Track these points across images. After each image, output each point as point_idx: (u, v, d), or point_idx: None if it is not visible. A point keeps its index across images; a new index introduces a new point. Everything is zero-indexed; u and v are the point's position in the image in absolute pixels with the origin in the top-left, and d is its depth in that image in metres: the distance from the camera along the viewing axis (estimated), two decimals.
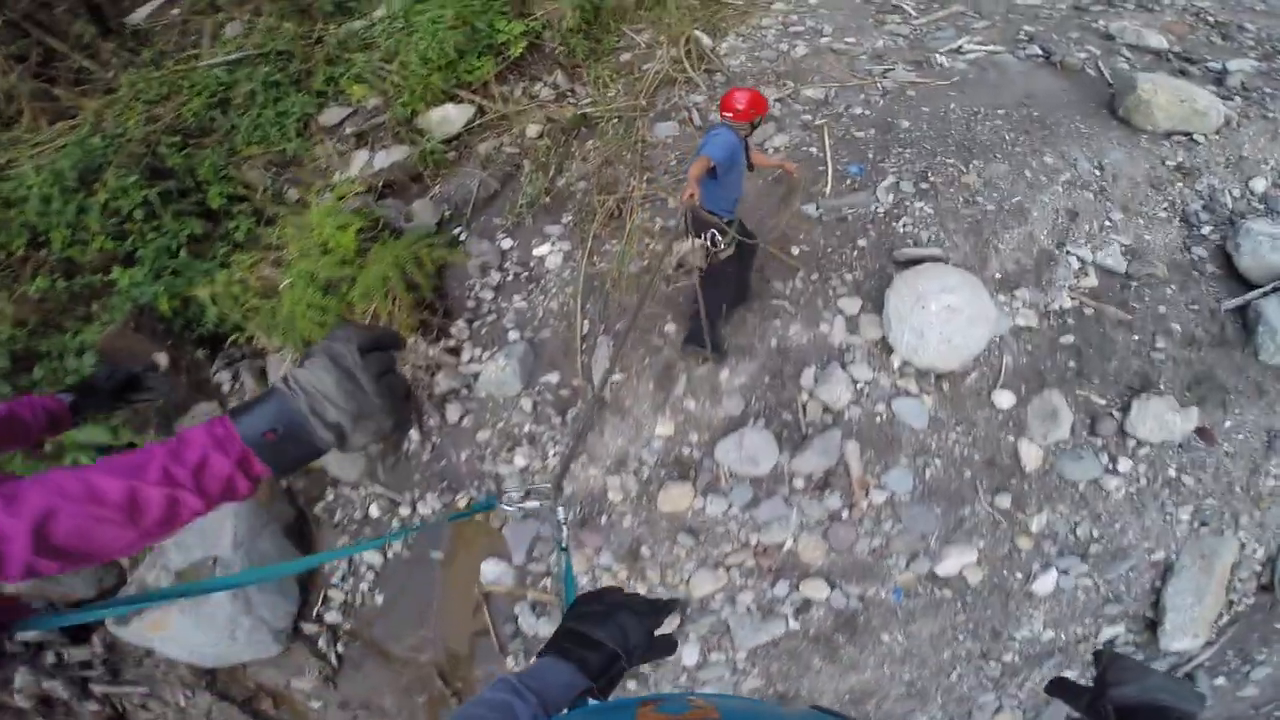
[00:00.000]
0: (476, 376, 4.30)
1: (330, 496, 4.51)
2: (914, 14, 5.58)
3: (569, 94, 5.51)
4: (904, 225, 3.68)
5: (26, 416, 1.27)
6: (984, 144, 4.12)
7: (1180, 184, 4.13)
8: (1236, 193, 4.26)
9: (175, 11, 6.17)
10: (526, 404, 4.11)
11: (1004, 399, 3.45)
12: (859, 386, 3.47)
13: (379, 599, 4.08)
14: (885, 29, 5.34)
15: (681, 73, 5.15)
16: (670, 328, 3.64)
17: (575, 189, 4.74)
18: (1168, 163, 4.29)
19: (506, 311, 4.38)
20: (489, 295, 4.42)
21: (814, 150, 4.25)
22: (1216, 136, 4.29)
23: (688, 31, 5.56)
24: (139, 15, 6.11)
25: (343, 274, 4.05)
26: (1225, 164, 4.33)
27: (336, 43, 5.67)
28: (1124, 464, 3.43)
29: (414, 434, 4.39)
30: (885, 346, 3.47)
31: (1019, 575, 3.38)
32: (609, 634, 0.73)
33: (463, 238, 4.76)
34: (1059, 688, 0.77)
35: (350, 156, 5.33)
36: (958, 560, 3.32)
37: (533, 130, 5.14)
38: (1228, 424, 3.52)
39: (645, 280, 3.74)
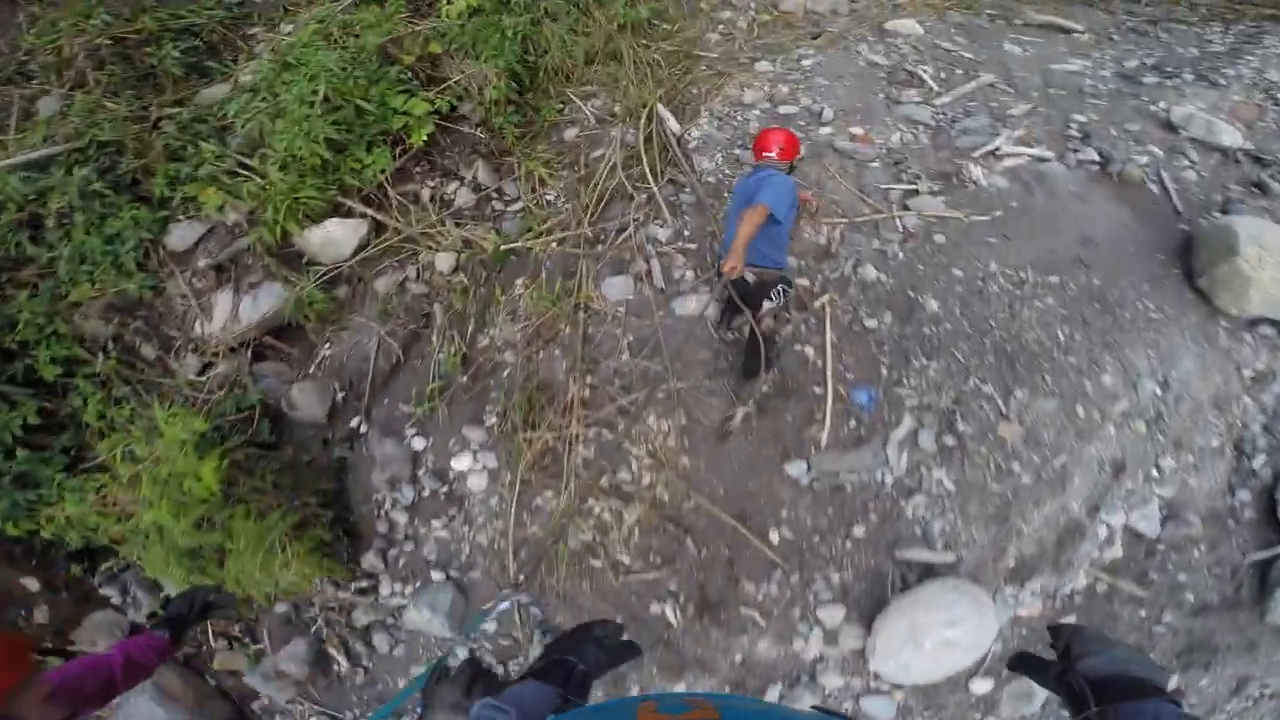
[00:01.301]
0: (401, 609, 3.55)
1: (265, 699, 3.96)
2: (935, 87, 4.05)
3: (494, 196, 4.11)
4: (914, 507, 2.74)
5: (142, 660, 1.39)
6: (1031, 353, 3.02)
7: (1246, 397, 3.17)
8: None
9: None
10: (462, 651, 3.41)
11: (981, 686, 2.83)
12: (827, 693, 2.79)
13: None
14: (901, 111, 3.88)
15: (639, 182, 3.77)
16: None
17: (501, 360, 3.61)
18: (1244, 370, 3.20)
19: (426, 540, 3.47)
20: (402, 518, 3.49)
21: (810, 353, 3.12)
22: None
23: (649, 101, 4.06)
24: None
25: (205, 540, 3.08)
26: None
27: (179, 127, 4.06)
28: None
29: (341, 659, 3.73)
30: (862, 655, 2.75)
31: None
32: (580, 657, 0.83)
33: (362, 430, 3.69)
34: (1024, 663, 0.74)
35: (211, 300, 4.03)
36: None
37: (445, 262, 3.84)
38: (1203, 681, 2.98)
39: (593, 567, 2.87)
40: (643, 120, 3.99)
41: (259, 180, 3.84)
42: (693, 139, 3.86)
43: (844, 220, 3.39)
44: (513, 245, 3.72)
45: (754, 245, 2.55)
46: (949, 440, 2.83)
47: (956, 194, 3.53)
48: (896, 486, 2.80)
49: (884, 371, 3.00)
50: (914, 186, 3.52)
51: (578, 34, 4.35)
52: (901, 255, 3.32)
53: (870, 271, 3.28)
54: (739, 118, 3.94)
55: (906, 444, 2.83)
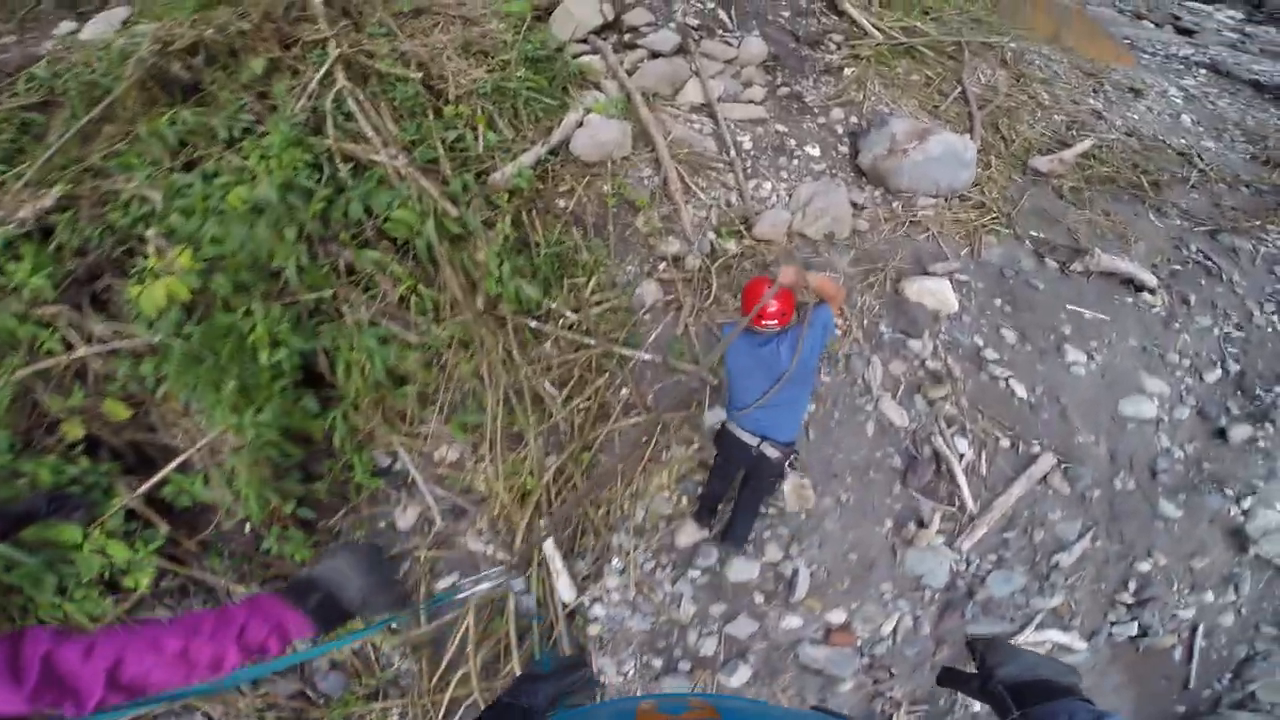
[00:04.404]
0: None
1: None
2: (967, 497, 2.44)
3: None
4: None
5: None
6: None
7: None
8: None
9: None
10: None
11: None
12: None
13: None
14: (909, 565, 2.35)
15: None
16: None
17: None
18: None
19: None
20: None
21: None
22: None
23: (530, 505, 2.34)
24: None
25: None
26: None
27: None
28: None
29: None
30: None
31: None
32: (530, 700, 0.73)
33: None
34: (949, 677, 0.73)
35: None
36: None
37: None
38: None
39: None
40: (519, 539, 2.35)
41: None
42: (592, 616, 2.34)
43: None
44: None
45: (778, 416, 2.10)
46: None
47: None
48: None
49: None
50: None
51: (414, 325, 2.26)
52: None
53: None
54: (665, 570, 2.37)
55: None
